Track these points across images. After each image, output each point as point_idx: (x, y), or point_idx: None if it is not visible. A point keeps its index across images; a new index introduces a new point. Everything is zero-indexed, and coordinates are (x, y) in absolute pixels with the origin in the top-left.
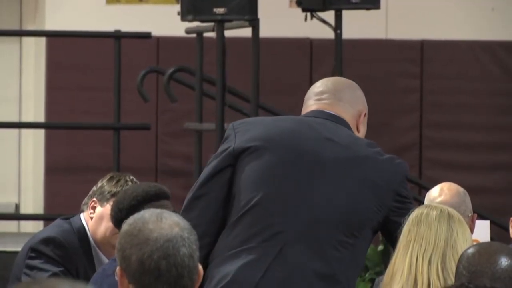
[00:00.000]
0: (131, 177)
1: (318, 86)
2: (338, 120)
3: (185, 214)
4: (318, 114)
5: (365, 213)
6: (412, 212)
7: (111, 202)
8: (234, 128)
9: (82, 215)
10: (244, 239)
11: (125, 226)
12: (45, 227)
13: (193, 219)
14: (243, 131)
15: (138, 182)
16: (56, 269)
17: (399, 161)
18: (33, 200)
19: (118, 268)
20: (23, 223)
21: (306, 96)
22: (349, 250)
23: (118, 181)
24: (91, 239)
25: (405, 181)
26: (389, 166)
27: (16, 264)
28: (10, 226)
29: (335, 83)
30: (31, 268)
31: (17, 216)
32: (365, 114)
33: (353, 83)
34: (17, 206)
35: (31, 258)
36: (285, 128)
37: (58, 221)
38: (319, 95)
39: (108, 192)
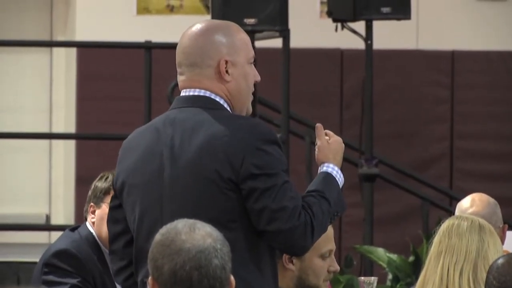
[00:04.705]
0: None
1: (178, 53)
2: (194, 102)
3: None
4: (177, 102)
5: (224, 211)
6: (442, 222)
7: (105, 200)
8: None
9: (86, 222)
10: None
11: (158, 236)
12: (55, 241)
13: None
14: (118, 162)
15: None
16: (74, 281)
17: (247, 133)
18: (63, 210)
19: (150, 278)
20: (54, 234)
21: None
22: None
23: (107, 178)
24: (100, 243)
25: (258, 153)
26: (235, 148)
27: (33, 281)
28: (41, 237)
29: (184, 46)
30: (49, 284)
31: (47, 227)
32: (227, 61)
33: (207, 28)
34: (48, 217)
35: (46, 273)
36: (142, 152)
37: (66, 233)
38: (178, 68)
39: (100, 192)
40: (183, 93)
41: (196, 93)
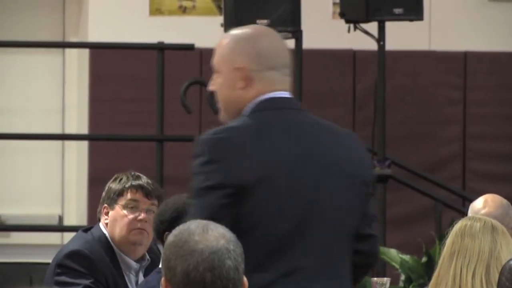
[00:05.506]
0: (133, 172)
1: (283, 54)
2: (299, 105)
3: None
4: (288, 103)
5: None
6: (455, 223)
7: (119, 202)
8: (215, 154)
9: (100, 223)
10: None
11: (171, 237)
12: (68, 241)
13: None
14: (238, 157)
15: (140, 175)
16: (86, 282)
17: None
18: (76, 211)
19: (163, 279)
20: (67, 235)
21: (263, 62)
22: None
23: (120, 179)
24: (113, 245)
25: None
26: (366, 154)
27: (46, 282)
28: (53, 238)
29: (283, 47)
30: (62, 284)
31: (60, 228)
32: None
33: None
34: (61, 218)
35: (58, 274)
36: (282, 151)
37: (79, 234)
38: (287, 67)
39: (114, 193)
40: (282, 95)
41: (291, 96)
